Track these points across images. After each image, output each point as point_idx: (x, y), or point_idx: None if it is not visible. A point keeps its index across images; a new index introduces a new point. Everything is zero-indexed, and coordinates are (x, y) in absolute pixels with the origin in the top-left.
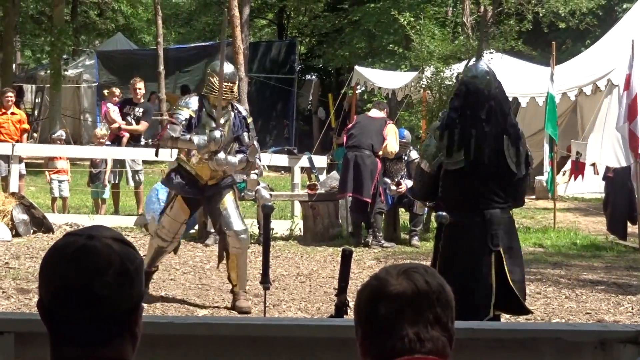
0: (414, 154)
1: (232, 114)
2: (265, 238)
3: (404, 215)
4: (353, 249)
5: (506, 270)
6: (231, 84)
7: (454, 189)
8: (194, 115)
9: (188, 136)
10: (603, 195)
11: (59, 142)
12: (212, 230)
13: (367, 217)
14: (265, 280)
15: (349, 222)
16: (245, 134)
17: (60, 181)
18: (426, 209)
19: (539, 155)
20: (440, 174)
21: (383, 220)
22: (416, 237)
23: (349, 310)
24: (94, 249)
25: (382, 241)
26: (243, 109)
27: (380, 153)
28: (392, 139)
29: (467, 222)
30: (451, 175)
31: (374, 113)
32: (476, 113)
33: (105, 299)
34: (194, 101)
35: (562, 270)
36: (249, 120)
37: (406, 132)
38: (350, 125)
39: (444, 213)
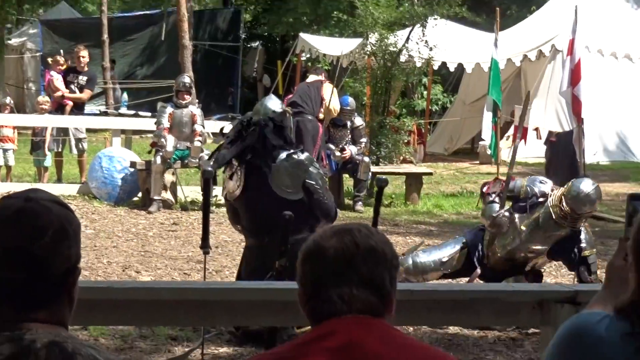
0: (359, 120)
1: None
2: (205, 203)
3: (348, 181)
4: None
5: None
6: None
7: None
8: None
9: None
10: (544, 159)
11: (7, 108)
12: (156, 197)
13: None
14: (205, 245)
15: None
16: None
17: (5, 150)
18: (370, 174)
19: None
20: None
21: None
22: (360, 203)
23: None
24: (32, 211)
25: None
26: None
27: (322, 116)
28: (330, 97)
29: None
30: None
31: (311, 78)
32: None
33: (43, 260)
34: None
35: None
36: None
37: (350, 99)
38: (291, 95)
39: (385, 177)
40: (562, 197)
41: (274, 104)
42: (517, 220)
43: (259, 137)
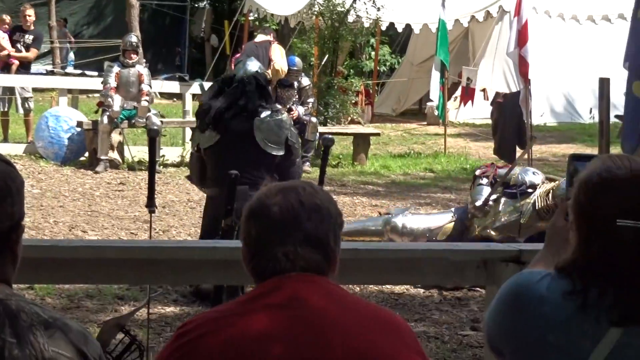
0: (306, 81)
1: None
2: (151, 162)
3: None
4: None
5: None
6: None
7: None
8: None
9: None
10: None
11: None
12: (103, 157)
13: None
14: (150, 204)
15: None
16: None
17: None
18: (317, 134)
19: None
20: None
21: None
22: (307, 163)
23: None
24: None
25: None
26: None
27: (270, 77)
28: (278, 57)
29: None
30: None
31: (259, 38)
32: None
33: None
34: None
35: (452, 194)
36: None
37: (297, 59)
38: (239, 54)
39: (331, 136)
40: (551, 191)
41: (254, 65)
42: (502, 205)
43: (243, 93)
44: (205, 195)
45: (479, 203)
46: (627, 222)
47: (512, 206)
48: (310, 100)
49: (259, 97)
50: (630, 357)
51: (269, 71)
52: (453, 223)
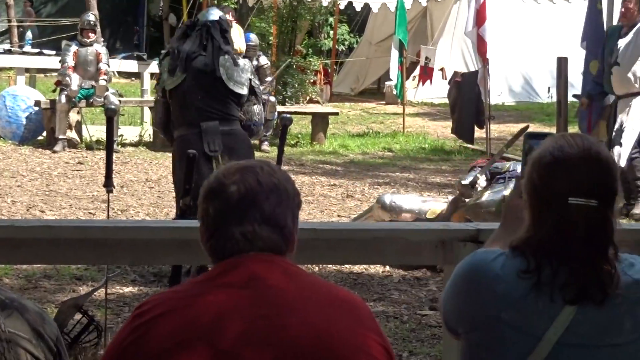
0: (263, 60)
1: None
2: (109, 141)
3: None
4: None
5: None
6: None
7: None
8: None
9: None
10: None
11: None
12: (61, 136)
13: None
14: (108, 184)
15: None
16: None
17: None
18: (276, 114)
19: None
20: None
21: None
22: (266, 142)
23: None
24: None
25: None
26: None
27: None
28: (236, 38)
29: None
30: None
31: None
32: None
33: None
34: None
35: (410, 173)
36: None
37: (253, 36)
38: None
39: (289, 116)
40: None
41: (216, 13)
42: (489, 189)
43: (208, 36)
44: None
45: (465, 182)
46: (578, 200)
47: (494, 190)
48: (269, 79)
49: (223, 41)
50: (585, 335)
51: None
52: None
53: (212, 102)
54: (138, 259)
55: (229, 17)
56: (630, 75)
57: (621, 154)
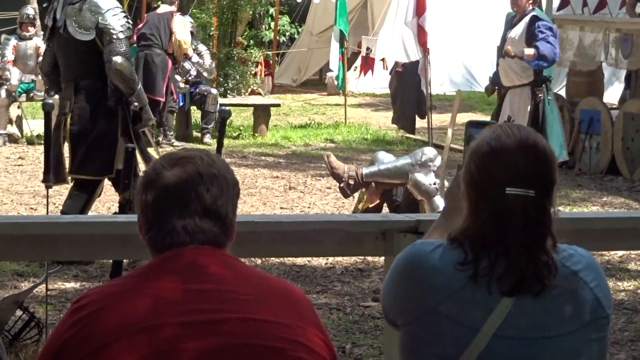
0: (203, 47)
1: None
2: (47, 135)
3: (195, 114)
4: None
5: None
6: None
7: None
8: None
9: None
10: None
11: None
12: (1, 131)
13: (159, 116)
14: (47, 179)
15: None
16: None
17: None
18: (217, 106)
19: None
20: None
21: (175, 119)
22: (208, 135)
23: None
24: None
25: (173, 140)
26: None
27: (171, 50)
28: (180, 29)
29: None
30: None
31: (162, 9)
32: None
33: None
34: None
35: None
36: None
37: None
38: (140, 25)
39: (228, 108)
40: None
41: None
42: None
43: None
44: None
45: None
46: (515, 191)
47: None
48: (207, 62)
49: None
50: (522, 327)
51: (171, 44)
52: None
53: (73, 62)
54: (76, 255)
55: (173, 8)
56: (515, 67)
57: None
